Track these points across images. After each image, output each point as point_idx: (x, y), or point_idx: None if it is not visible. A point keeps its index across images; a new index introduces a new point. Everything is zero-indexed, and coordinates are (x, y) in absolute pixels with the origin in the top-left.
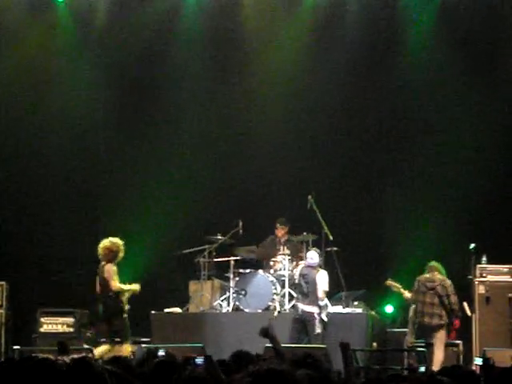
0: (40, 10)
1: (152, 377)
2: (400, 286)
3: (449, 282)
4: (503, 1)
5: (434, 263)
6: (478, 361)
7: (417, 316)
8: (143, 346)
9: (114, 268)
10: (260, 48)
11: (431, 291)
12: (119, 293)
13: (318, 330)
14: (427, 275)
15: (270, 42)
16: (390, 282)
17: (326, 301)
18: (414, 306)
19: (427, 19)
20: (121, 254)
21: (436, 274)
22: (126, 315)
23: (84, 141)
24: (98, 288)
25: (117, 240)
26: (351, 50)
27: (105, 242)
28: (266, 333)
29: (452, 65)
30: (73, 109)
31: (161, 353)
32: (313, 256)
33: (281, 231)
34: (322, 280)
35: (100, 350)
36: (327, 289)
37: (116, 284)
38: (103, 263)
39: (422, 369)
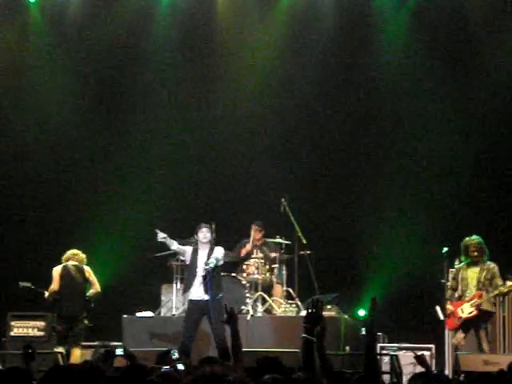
0: (12, 11)
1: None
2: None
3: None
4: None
5: None
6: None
7: None
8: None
9: None
10: (235, 48)
11: None
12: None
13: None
14: None
15: (244, 43)
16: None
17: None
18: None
19: (401, 21)
20: None
21: None
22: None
23: (56, 142)
24: (56, 287)
25: None
26: (325, 51)
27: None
28: (232, 318)
29: (426, 66)
30: (46, 110)
31: (119, 352)
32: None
33: (258, 234)
34: None
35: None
36: None
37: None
38: (81, 265)
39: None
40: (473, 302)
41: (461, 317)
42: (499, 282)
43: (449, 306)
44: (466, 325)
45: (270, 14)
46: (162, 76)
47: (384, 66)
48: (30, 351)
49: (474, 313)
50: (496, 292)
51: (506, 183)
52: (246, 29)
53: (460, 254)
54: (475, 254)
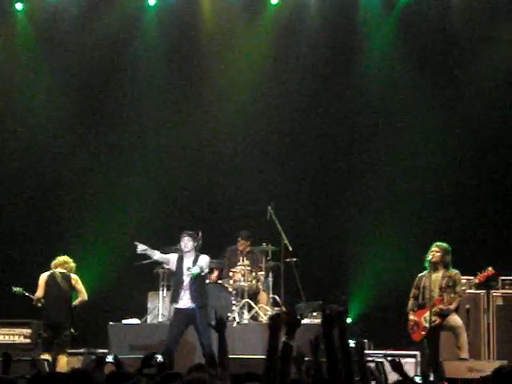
0: None
1: None
2: None
3: None
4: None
5: None
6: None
7: None
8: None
9: None
10: (220, 57)
11: None
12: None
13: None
14: None
15: (231, 50)
16: None
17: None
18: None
19: (387, 29)
20: None
21: None
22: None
23: (44, 151)
24: (41, 293)
25: None
26: (312, 58)
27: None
28: (222, 324)
29: (412, 73)
30: (32, 119)
31: (109, 359)
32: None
33: (242, 245)
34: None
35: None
36: None
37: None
38: (68, 273)
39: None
40: (433, 309)
41: (425, 327)
42: (460, 288)
43: (411, 317)
44: (432, 334)
45: (256, 21)
46: (149, 85)
47: (370, 74)
48: (6, 358)
49: (438, 321)
50: (458, 298)
51: (498, 185)
52: (232, 35)
53: (424, 262)
54: (436, 260)
